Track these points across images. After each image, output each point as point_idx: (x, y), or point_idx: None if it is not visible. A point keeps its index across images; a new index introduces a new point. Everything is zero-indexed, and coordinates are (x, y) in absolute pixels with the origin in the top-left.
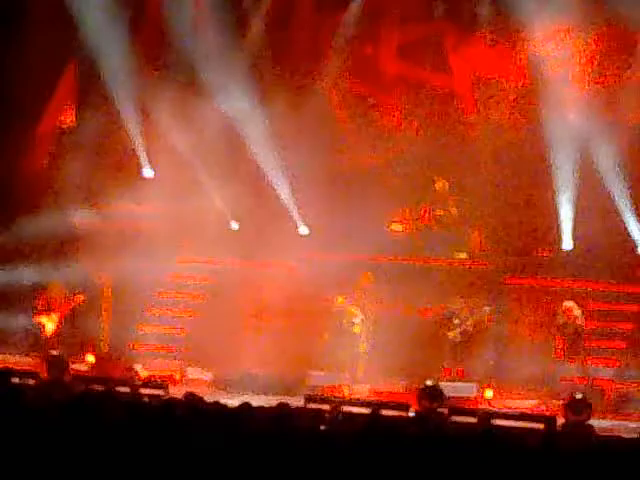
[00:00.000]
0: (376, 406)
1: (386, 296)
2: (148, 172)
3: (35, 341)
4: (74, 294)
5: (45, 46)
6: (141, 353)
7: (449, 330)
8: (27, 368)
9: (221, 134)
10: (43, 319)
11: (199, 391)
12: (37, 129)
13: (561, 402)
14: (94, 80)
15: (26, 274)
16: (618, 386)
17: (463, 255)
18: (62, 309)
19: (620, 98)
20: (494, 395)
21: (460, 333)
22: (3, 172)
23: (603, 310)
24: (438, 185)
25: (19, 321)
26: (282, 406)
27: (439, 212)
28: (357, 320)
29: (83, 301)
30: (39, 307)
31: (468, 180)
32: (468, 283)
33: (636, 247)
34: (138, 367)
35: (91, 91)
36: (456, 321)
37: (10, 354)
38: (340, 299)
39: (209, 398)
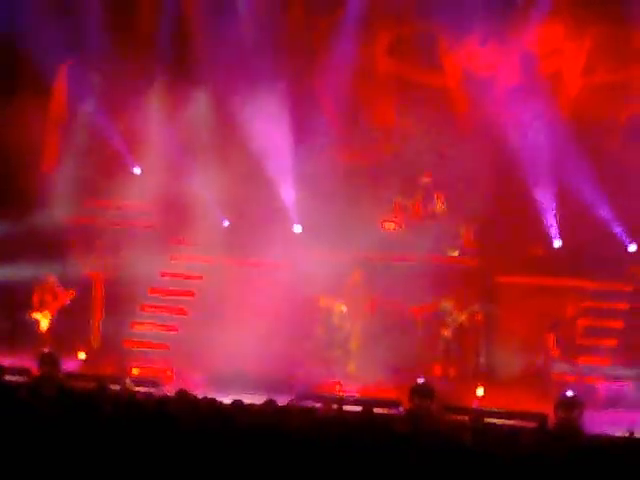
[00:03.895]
0: (368, 404)
1: (378, 294)
2: (138, 169)
3: (27, 338)
4: (66, 290)
5: (39, 48)
6: (133, 350)
7: (441, 328)
8: (19, 365)
9: (214, 132)
10: (37, 315)
11: (191, 389)
12: (34, 129)
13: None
14: (85, 80)
15: (19, 271)
16: (609, 384)
17: (455, 253)
18: (55, 305)
19: (610, 95)
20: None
21: (452, 331)
22: None
23: (594, 308)
24: (425, 180)
25: (12, 317)
26: (271, 403)
27: (429, 208)
28: (343, 312)
29: (74, 297)
30: (34, 303)
31: (459, 178)
32: (460, 281)
33: (626, 245)
34: (133, 372)
35: (82, 91)
36: (449, 319)
37: (1, 351)
38: (323, 300)
39: (201, 396)
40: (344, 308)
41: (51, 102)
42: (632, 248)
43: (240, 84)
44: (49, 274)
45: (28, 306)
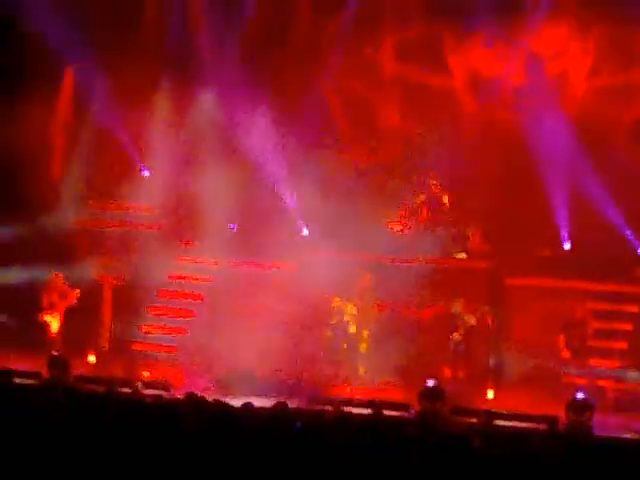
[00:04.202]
0: (378, 406)
1: (386, 296)
2: (148, 172)
3: (38, 341)
4: (72, 289)
5: (44, 52)
6: (143, 353)
7: (452, 331)
8: (29, 368)
9: (219, 134)
10: (48, 317)
11: (200, 392)
12: (41, 132)
13: None
14: (92, 82)
15: (29, 274)
16: (619, 386)
17: (463, 255)
18: (64, 305)
19: (616, 97)
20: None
21: (462, 334)
22: (5, 171)
23: (604, 310)
24: (432, 182)
25: (23, 320)
26: (281, 406)
27: (436, 210)
28: (352, 314)
29: (80, 296)
30: (43, 304)
31: (467, 179)
32: (469, 283)
33: (635, 247)
34: (143, 375)
35: (90, 94)
36: (459, 322)
37: (12, 354)
38: (337, 300)
39: (211, 399)
40: (355, 310)
41: (58, 105)
42: None
43: (246, 86)
44: (55, 273)
45: (38, 308)
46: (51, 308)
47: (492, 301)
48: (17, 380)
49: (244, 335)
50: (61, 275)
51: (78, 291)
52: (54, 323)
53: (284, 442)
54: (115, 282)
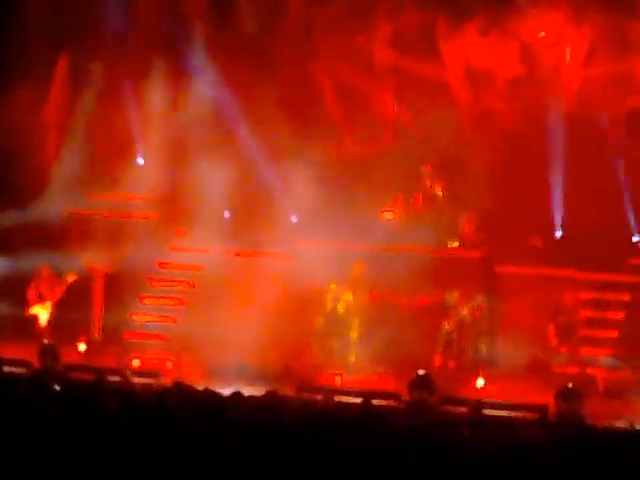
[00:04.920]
0: (367, 396)
1: (378, 285)
2: (141, 160)
3: (27, 330)
4: (66, 276)
5: (39, 37)
6: (133, 342)
7: (444, 320)
8: (18, 357)
9: (213, 122)
10: (36, 309)
11: (191, 380)
12: (33, 118)
13: None
14: (86, 69)
15: (18, 262)
16: (610, 375)
17: (455, 244)
18: (53, 296)
19: (611, 85)
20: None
21: (455, 323)
22: None
23: (595, 299)
24: (425, 171)
25: (11, 309)
26: (271, 395)
27: (429, 198)
28: (346, 301)
29: (75, 281)
30: (31, 297)
31: (460, 169)
32: (460, 272)
33: (629, 236)
34: (133, 364)
35: (84, 80)
36: (452, 312)
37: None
38: (333, 285)
39: (201, 387)
40: (350, 297)
41: (51, 91)
42: (636, 239)
43: (240, 73)
44: (42, 266)
45: (27, 302)
46: (40, 299)
47: (484, 290)
48: (7, 369)
49: (235, 324)
50: (48, 268)
51: (74, 276)
52: (43, 315)
53: (274, 431)
54: (106, 271)
